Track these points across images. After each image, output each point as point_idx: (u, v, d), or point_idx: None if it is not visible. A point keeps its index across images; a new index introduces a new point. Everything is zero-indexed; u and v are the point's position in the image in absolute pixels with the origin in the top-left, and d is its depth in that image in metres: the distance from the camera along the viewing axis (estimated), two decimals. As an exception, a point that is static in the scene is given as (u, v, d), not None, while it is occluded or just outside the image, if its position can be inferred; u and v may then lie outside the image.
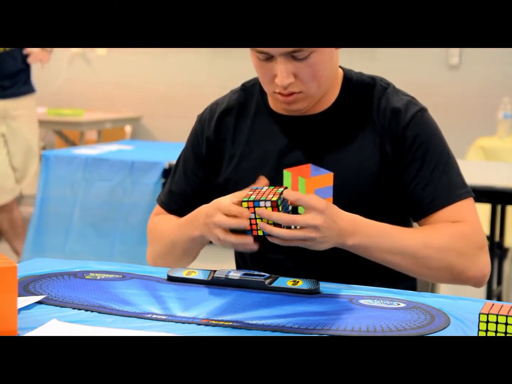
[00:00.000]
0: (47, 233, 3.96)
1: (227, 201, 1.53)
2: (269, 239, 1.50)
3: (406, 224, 1.75)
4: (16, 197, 4.57)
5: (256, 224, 1.49)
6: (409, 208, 1.71)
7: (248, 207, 1.49)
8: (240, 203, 1.51)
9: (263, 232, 1.50)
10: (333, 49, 1.67)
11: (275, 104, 1.74)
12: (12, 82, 4.39)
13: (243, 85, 1.83)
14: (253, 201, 1.49)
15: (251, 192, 1.52)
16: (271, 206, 1.48)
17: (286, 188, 1.52)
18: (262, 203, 1.48)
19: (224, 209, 1.51)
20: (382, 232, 1.59)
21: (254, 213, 1.49)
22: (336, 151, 1.70)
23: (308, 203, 1.49)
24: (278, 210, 1.48)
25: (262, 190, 1.52)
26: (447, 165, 1.69)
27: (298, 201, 1.50)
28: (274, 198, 1.48)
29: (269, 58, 1.61)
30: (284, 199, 1.50)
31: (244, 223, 1.49)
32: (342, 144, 1.71)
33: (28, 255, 3.81)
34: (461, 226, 1.64)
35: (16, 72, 4.40)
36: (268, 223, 1.49)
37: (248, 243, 1.51)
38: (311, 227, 1.48)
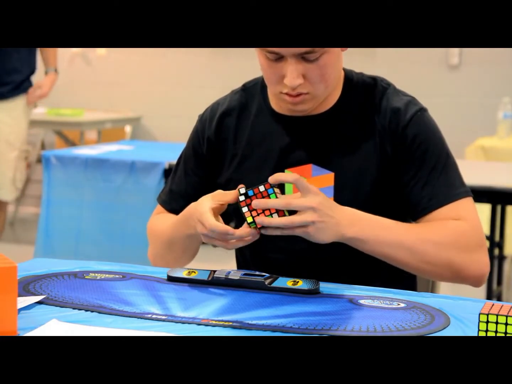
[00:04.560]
0: (56, 236, 3.96)
1: (208, 216, 1.53)
2: (266, 231, 1.50)
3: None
4: None
5: (250, 211, 1.50)
6: (408, 207, 1.71)
7: (240, 201, 1.50)
8: (220, 205, 1.56)
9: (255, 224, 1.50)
10: (340, 51, 1.67)
11: (277, 104, 1.74)
12: (3, 81, 4.32)
13: (244, 85, 1.83)
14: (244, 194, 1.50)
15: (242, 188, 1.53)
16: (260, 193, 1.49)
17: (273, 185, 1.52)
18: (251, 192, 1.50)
19: (208, 227, 1.52)
20: (380, 225, 1.60)
21: (246, 206, 1.49)
22: (337, 151, 1.71)
23: (304, 184, 1.50)
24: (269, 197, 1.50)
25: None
26: (446, 165, 1.69)
27: (294, 182, 1.50)
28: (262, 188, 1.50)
29: (279, 58, 1.61)
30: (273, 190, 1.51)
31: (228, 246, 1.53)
32: (343, 144, 1.71)
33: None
34: (460, 224, 1.64)
35: (8, 71, 4.31)
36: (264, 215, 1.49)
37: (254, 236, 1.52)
38: (308, 209, 1.48)
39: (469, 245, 1.62)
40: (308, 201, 1.49)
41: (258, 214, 1.49)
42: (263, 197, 1.50)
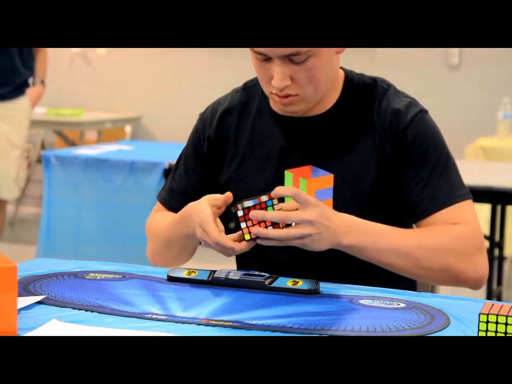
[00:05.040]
0: (58, 236, 3.96)
1: (213, 229, 1.52)
2: (263, 242, 1.50)
3: (405, 226, 1.75)
4: None
5: (247, 227, 1.50)
6: (407, 209, 1.71)
7: (236, 215, 1.49)
8: (217, 210, 1.55)
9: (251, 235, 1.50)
10: (333, 53, 1.66)
11: (275, 104, 1.74)
12: (5, 82, 4.36)
13: (245, 84, 1.83)
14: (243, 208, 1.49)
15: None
16: (259, 203, 1.48)
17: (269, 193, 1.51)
18: (246, 203, 1.49)
19: (213, 240, 1.52)
20: (378, 232, 1.59)
21: (245, 221, 1.49)
22: (337, 152, 1.70)
23: (302, 198, 1.49)
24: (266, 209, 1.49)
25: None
26: (446, 166, 1.69)
27: (293, 197, 1.50)
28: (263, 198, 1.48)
29: (267, 59, 1.61)
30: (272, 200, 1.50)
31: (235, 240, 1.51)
32: (343, 145, 1.71)
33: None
34: (459, 228, 1.64)
35: (8, 73, 4.36)
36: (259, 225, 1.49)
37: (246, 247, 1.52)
38: (306, 222, 1.48)
39: (468, 250, 1.62)
40: (306, 214, 1.48)
41: (253, 224, 1.49)
42: (261, 208, 1.49)
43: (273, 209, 1.49)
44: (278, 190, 1.50)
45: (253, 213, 1.47)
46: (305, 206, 1.49)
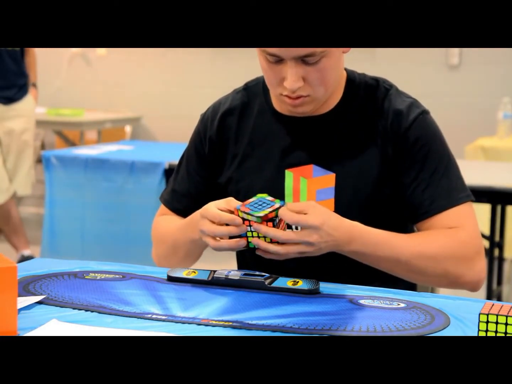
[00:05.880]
0: (61, 235, 3.97)
1: (213, 208, 1.53)
2: (261, 254, 1.52)
3: (405, 226, 1.75)
4: (11, 196, 4.62)
5: (247, 236, 1.50)
6: (408, 210, 1.71)
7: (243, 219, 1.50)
8: (227, 210, 1.52)
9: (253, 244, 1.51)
10: (341, 53, 1.67)
11: (279, 105, 1.74)
12: (10, 85, 4.48)
13: (246, 84, 1.83)
14: (248, 213, 1.48)
15: (249, 201, 1.51)
16: (265, 221, 1.48)
17: (282, 206, 1.51)
18: (254, 219, 1.48)
19: (211, 217, 1.52)
20: (378, 241, 1.60)
21: (249, 225, 1.49)
22: (338, 152, 1.71)
23: (304, 223, 1.50)
24: (273, 225, 1.49)
25: (258, 202, 1.52)
26: (447, 167, 1.69)
27: (295, 223, 1.51)
28: (269, 214, 1.48)
29: (279, 61, 1.61)
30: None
31: (233, 231, 1.50)
32: (344, 145, 1.71)
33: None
34: (458, 233, 1.64)
35: (15, 75, 4.48)
36: (259, 236, 1.50)
37: (240, 244, 1.52)
38: (306, 243, 1.50)
39: (467, 255, 1.64)
40: (308, 236, 1.50)
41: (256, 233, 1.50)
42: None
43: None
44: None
45: (256, 227, 1.49)
46: (307, 228, 1.50)
